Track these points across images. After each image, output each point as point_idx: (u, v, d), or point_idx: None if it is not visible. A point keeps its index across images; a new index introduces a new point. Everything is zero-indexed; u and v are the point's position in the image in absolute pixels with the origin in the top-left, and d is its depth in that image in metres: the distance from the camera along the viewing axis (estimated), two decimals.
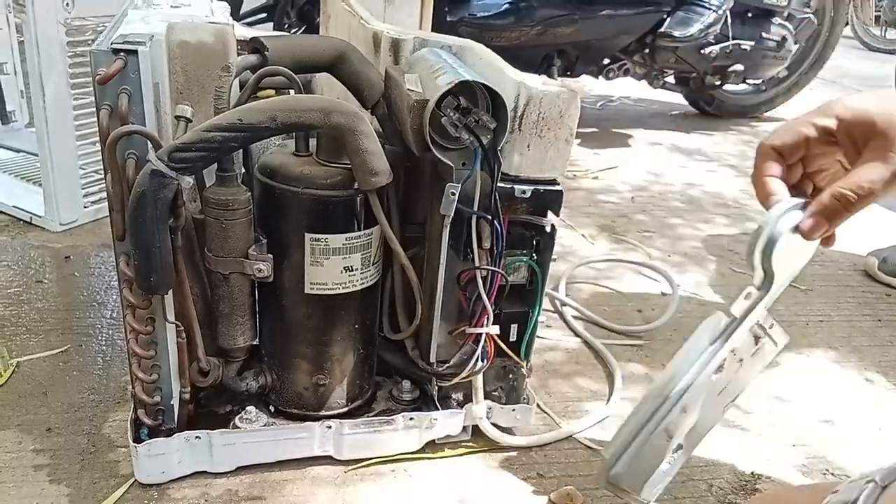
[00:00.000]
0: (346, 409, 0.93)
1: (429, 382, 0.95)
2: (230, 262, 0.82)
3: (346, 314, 0.88)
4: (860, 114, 0.60)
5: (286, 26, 2.38)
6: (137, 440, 0.84)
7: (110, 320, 1.19)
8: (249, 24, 2.32)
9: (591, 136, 2.56)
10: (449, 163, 0.78)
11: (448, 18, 2.22)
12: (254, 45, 0.81)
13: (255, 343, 0.91)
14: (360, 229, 0.84)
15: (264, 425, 0.90)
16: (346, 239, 0.83)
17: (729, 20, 2.50)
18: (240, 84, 0.83)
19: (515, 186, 0.84)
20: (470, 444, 0.98)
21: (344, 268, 0.84)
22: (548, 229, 0.88)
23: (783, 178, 0.63)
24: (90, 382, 1.04)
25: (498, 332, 0.89)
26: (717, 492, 0.94)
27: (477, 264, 0.84)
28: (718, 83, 2.69)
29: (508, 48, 2.24)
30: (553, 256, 0.91)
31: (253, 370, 0.92)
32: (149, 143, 0.71)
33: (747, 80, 2.78)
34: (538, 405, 1.04)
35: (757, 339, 0.64)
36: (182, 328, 0.81)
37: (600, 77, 2.63)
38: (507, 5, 2.28)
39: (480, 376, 0.92)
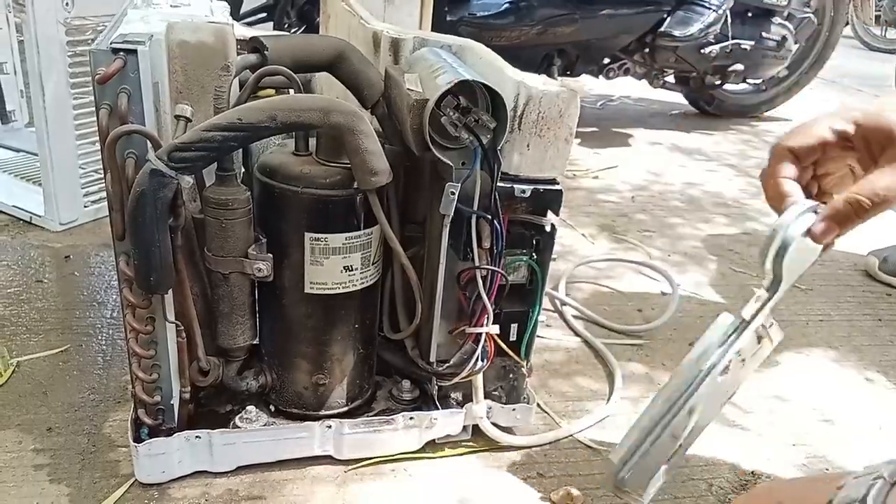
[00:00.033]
0: (346, 409, 0.93)
1: (429, 382, 0.95)
2: (230, 261, 0.82)
3: (345, 314, 0.88)
4: (879, 121, 0.60)
5: (286, 26, 2.38)
6: (138, 440, 0.84)
7: (110, 320, 1.19)
8: (249, 24, 2.32)
9: (591, 135, 2.56)
10: (449, 162, 0.78)
11: (448, 18, 2.22)
12: (253, 45, 0.81)
13: (255, 343, 0.91)
14: (359, 229, 0.84)
15: (264, 425, 0.90)
16: (345, 238, 0.83)
17: (729, 20, 2.50)
18: (239, 83, 0.83)
19: (515, 186, 0.84)
20: (470, 443, 0.98)
21: (344, 267, 0.84)
22: (548, 229, 0.88)
23: (796, 180, 0.63)
24: (90, 382, 1.04)
25: (498, 331, 0.89)
26: (718, 491, 0.94)
27: (477, 264, 0.84)
28: (718, 83, 2.69)
29: (508, 48, 2.24)
30: (553, 256, 0.91)
31: (253, 370, 0.92)
32: (148, 142, 0.71)
33: (747, 80, 2.78)
34: (538, 405, 1.04)
35: (759, 338, 0.64)
36: (182, 328, 0.81)
37: (600, 76, 2.63)
38: (507, 5, 2.28)
39: (480, 376, 0.92)
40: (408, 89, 0.78)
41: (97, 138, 0.72)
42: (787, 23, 2.64)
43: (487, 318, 0.87)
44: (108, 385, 1.03)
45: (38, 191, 1.51)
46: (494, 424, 0.96)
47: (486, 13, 2.28)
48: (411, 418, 0.93)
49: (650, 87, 2.71)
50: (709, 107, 2.91)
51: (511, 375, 0.97)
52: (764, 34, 2.59)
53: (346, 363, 0.91)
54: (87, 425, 0.95)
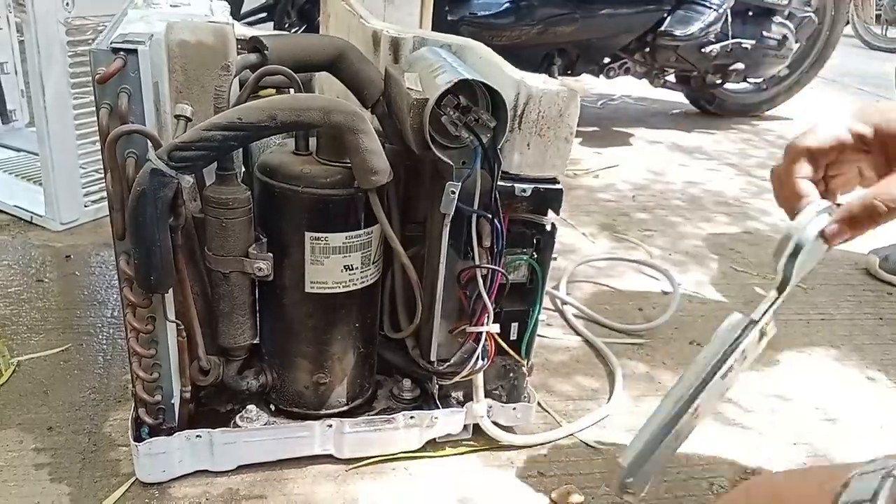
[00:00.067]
0: (346, 408, 0.93)
1: (429, 381, 0.95)
2: (230, 260, 0.82)
3: (346, 313, 0.88)
4: None
5: (286, 25, 2.38)
6: (138, 439, 0.84)
7: (111, 319, 1.19)
8: (250, 24, 2.32)
9: (591, 134, 2.56)
10: (449, 161, 0.78)
11: (448, 17, 2.22)
12: (253, 44, 0.81)
13: (255, 342, 0.91)
14: (360, 228, 0.84)
15: (265, 424, 0.90)
16: (346, 238, 0.83)
17: (729, 19, 2.50)
18: (239, 83, 0.83)
19: (515, 185, 0.84)
20: (471, 442, 0.98)
21: (344, 266, 0.84)
22: (548, 228, 0.88)
23: (810, 180, 0.63)
24: (91, 381, 1.04)
25: (498, 330, 0.89)
26: (718, 490, 0.94)
27: (477, 263, 0.84)
28: (719, 82, 2.69)
29: (509, 47, 2.24)
30: (553, 255, 0.91)
31: (253, 369, 0.92)
32: (148, 142, 0.71)
33: (748, 79, 2.78)
34: (539, 404, 1.04)
35: (761, 336, 0.64)
36: (182, 327, 0.81)
37: (601, 76, 2.63)
38: (507, 4, 2.28)
39: (481, 375, 0.92)
40: (408, 88, 0.78)
41: (98, 138, 0.72)
42: (787, 22, 2.64)
43: (488, 317, 0.87)
44: (109, 384, 1.03)
45: (38, 190, 1.51)
46: (495, 423, 0.96)
47: (487, 12, 2.28)
48: (412, 417, 0.93)
49: (651, 87, 2.70)
50: (709, 106, 2.90)
51: (511, 374, 0.97)
52: (765, 33, 2.59)
53: (347, 362, 0.91)
54: (88, 424, 0.95)
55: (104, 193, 1.38)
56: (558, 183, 0.87)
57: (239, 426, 0.89)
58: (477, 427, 0.96)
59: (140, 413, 0.84)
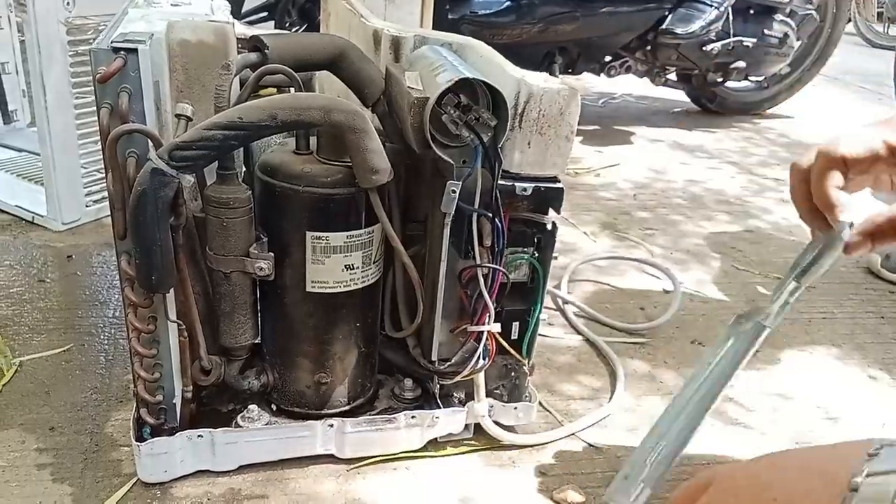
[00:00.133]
0: (348, 408, 0.93)
1: (430, 381, 0.95)
2: (231, 260, 0.82)
3: (347, 312, 0.88)
4: None
5: (287, 25, 2.39)
6: (140, 439, 0.84)
7: (112, 319, 1.19)
8: (251, 23, 2.32)
9: (592, 133, 2.56)
10: (449, 160, 0.78)
11: (449, 16, 2.22)
12: (254, 44, 0.81)
13: (256, 341, 0.91)
14: (361, 227, 0.84)
15: (266, 424, 0.90)
16: (347, 237, 0.83)
17: (731, 17, 2.49)
18: (240, 82, 0.83)
19: (516, 184, 0.84)
20: (472, 442, 0.98)
21: (345, 266, 0.84)
22: (549, 227, 0.88)
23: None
24: (93, 381, 1.04)
25: (499, 329, 0.89)
26: None
27: (478, 262, 0.84)
28: (720, 80, 2.68)
29: (510, 46, 2.24)
30: (554, 254, 0.91)
31: (255, 369, 0.92)
32: (149, 141, 0.71)
33: (749, 77, 2.77)
34: (540, 403, 1.04)
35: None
36: (184, 327, 0.81)
37: (602, 74, 2.63)
38: (508, 3, 2.28)
39: (482, 374, 0.92)
40: (408, 87, 0.78)
41: (98, 137, 0.72)
42: (789, 20, 2.63)
43: (489, 316, 0.87)
44: (111, 384, 1.03)
45: (40, 190, 1.51)
46: (496, 423, 0.96)
47: (488, 11, 2.28)
48: (413, 417, 0.93)
49: (652, 85, 2.70)
50: (711, 104, 2.90)
51: (513, 374, 0.97)
52: (766, 31, 2.58)
53: (348, 362, 0.91)
54: (90, 424, 0.95)
55: (105, 193, 1.38)
56: (559, 182, 0.86)
57: (240, 426, 0.89)
58: (478, 426, 0.96)
59: (142, 413, 0.84)
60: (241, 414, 0.90)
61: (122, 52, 0.69)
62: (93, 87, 0.71)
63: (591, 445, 1.00)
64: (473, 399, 0.94)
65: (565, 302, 1.36)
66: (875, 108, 3.30)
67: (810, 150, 0.64)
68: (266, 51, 0.80)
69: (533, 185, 0.85)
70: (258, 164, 0.84)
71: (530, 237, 0.89)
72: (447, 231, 0.83)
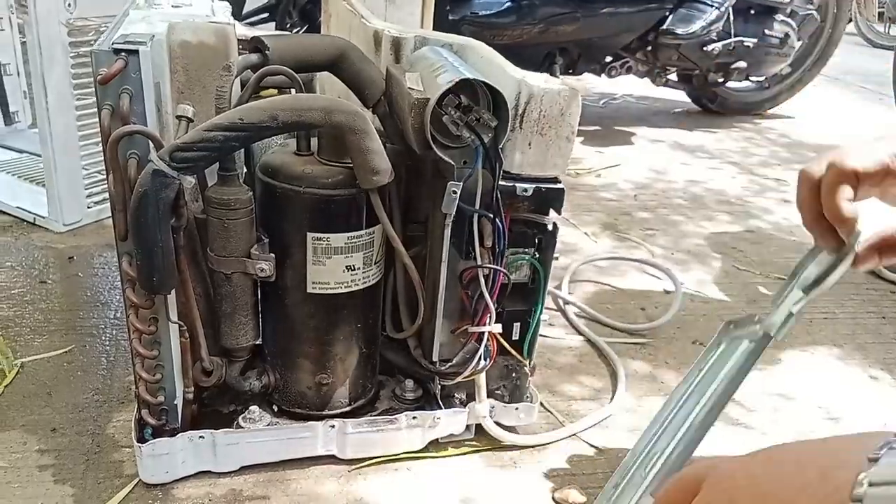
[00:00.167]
0: (349, 409, 0.93)
1: (432, 381, 0.95)
2: (232, 261, 0.82)
3: (348, 313, 0.88)
4: None
5: (288, 26, 2.39)
6: (141, 440, 0.84)
7: (114, 320, 1.19)
8: (252, 24, 2.32)
9: (593, 133, 2.56)
10: (450, 161, 0.78)
11: (450, 17, 2.22)
12: (255, 45, 0.81)
13: (257, 342, 0.91)
14: (361, 228, 0.84)
15: (268, 425, 0.90)
16: (347, 238, 0.83)
17: (731, 17, 2.49)
18: (241, 83, 0.83)
19: (517, 184, 0.84)
20: (473, 442, 0.98)
21: (346, 267, 0.84)
22: (550, 227, 0.88)
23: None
24: (94, 383, 1.04)
25: (500, 330, 0.89)
26: None
27: (479, 263, 0.84)
28: (721, 80, 2.68)
29: (510, 46, 2.24)
30: (555, 255, 0.91)
31: (256, 370, 0.92)
32: (150, 142, 0.71)
33: (750, 78, 2.77)
34: (541, 404, 1.04)
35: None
36: (185, 328, 0.81)
37: (603, 75, 2.63)
38: (508, 4, 2.28)
39: (483, 375, 0.92)
40: (409, 88, 0.78)
41: (100, 139, 0.72)
42: (789, 20, 2.63)
43: (490, 317, 0.87)
44: (112, 385, 1.04)
45: (41, 192, 1.52)
46: (497, 423, 0.96)
47: (488, 12, 2.28)
48: (414, 418, 0.93)
49: (653, 85, 2.70)
50: (711, 104, 2.90)
51: (514, 374, 0.97)
52: (767, 31, 2.58)
53: (349, 363, 0.91)
54: (91, 426, 0.95)
55: (106, 194, 1.38)
56: (560, 182, 0.86)
57: (242, 427, 0.89)
58: (479, 427, 0.96)
59: (143, 414, 0.84)
60: (243, 415, 0.90)
61: (123, 54, 0.69)
62: (94, 89, 0.71)
63: (592, 446, 1.00)
64: (475, 400, 0.94)
65: (566, 302, 1.36)
66: (876, 108, 3.30)
67: (820, 159, 0.63)
68: (267, 52, 0.80)
69: (534, 185, 0.85)
70: (259, 165, 0.84)
71: (531, 238, 0.89)
72: (448, 232, 0.83)
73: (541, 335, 0.97)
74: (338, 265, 0.84)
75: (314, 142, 0.85)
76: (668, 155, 2.40)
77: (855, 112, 3.24)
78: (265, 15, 2.42)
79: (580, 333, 1.28)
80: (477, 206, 0.81)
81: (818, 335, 1.33)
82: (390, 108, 0.87)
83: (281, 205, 0.82)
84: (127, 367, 1.07)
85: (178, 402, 0.85)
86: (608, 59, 2.58)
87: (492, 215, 0.82)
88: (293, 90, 0.84)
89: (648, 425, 0.59)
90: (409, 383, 0.97)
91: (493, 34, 2.24)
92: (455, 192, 0.79)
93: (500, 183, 0.81)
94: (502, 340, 0.90)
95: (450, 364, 0.91)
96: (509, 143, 0.82)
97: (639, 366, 1.20)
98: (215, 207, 0.79)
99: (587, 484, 0.92)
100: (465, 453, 0.96)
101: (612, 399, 1.10)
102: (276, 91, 0.91)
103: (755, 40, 2.55)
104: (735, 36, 2.52)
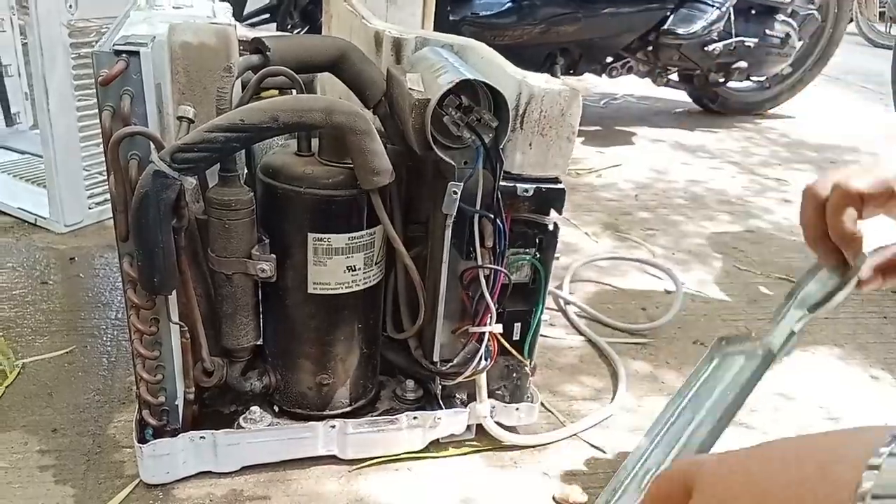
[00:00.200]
0: (349, 409, 0.94)
1: (432, 381, 0.95)
2: (233, 262, 0.82)
3: (349, 314, 0.88)
4: None
5: (289, 27, 2.39)
6: (142, 440, 0.84)
7: (115, 321, 1.19)
8: (253, 25, 2.33)
9: (594, 133, 2.56)
10: (451, 161, 0.78)
11: (450, 18, 2.22)
12: (256, 46, 0.81)
13: (258, 343, 0.91)
14: (362, 229, 0.84)
15: (269, 425, 0.90)
16: (348, 238, 0.83)
17: (732, 17, 2.49)
18: (242, 84, 0.83)
19: (518, 185, 0.84)
20: (474, 443, 0.98)
21: (347, 267, 0.84)
22: (550, 227, 0.88)
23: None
24: (95, 383, 1.04)
25: (501, 330, 0.89)
26: None
27: (480, 263, 0.84)
28: (722, 80, 2.68)
29: (511, 47, 2.24)
30: (556, 255, 0.91)
31: (257, 370, 0.92)
32: (151, 143, 0.71)
33: (751, 77, 2.77)
34: (542, 404, 1.04)
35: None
36: (186, 328, 0.81)
37: (604, 75, 2.63)
38: (509, 4, 2.28)
39: (484, 375, 0.92)
40: (410, 89, 0.78)
41: (101, 140, 0.72)
42: (790, 20, 2.63)
43: (491, 317, 0.87)
44: (113, 386, 1.04)
45: (42, 193, 1.52)
46: (498, 424, 0.96)
47: (489, 12, 2.28)
48: (415, 418, 0.93)
49: (653, 86, 2.70)
50: (712, 104, 2.90)
51: (514, 375, 0.97)
52: (767, 31, 2.58)
53: (350, 363, 0.91)
54: (92, 426, 0.96)
55: (108, 195, 1.38)
56: (560, 182, 0.86)
57: (242, 427, 0.89)
58: (480, 427, 0.96)
59: (144, 415, 0.84)
60: (244, 415, 0.90)
61: (124, 55, 0.69)
62: (95, 90, 0.71)
63: (593, 446, 1.00)
64: (475, 400, 0.94)
65: (567, 302, 1.36)
66: (877, 108, 3.30)
67: (826, 177, 0.63)
68: (268, 53, 0.80)
69: (534, 185, 0.85)
70: (260, 165, 0.84)
71: (532, 238, 0.89)
72: (449, 232, 0.83)
73: (541, 335, 0.97)
74: (339, 266, 0.84)
75: (315, 142, 0.85)
76: (669, 155, 2.40)
77: (856, 112, 3.24)
78: (266, 16, 2.42)
79: (581, 333, 1.28)
80: (478, 207, 0.81)
81: (819, 335, 1.33)
82: (391, 108, 0.87)
83: (282, 205, 0.82)
84: (128, 367, 1.07)
85: (179, 402, 0.85)
86: (609, 59, 2.58)
87: (492, 216, 0.82)
88: (294, 91, 0.84)
89: (642, 439, 0.59)
90: (410, 383, 0.98)
91: (493, 35, 2.24)
92: (456, 193, 0.79)
93: (501, 183, 0.81)
94: (503, 341, 0.90)
95: (450, 364, 0.91)
96: (510, 143, 0.82)
97: (640, 366, 1.20)
98: (216, 208, 0.79)
99: (588, 484, 0.92)
100: (465, 453, 0.96)
101: (612, 399, 1.10)
102: (276, 92, 0.91)
103: (756, 40, 2.55)
104: (736, 36, 2.52)
